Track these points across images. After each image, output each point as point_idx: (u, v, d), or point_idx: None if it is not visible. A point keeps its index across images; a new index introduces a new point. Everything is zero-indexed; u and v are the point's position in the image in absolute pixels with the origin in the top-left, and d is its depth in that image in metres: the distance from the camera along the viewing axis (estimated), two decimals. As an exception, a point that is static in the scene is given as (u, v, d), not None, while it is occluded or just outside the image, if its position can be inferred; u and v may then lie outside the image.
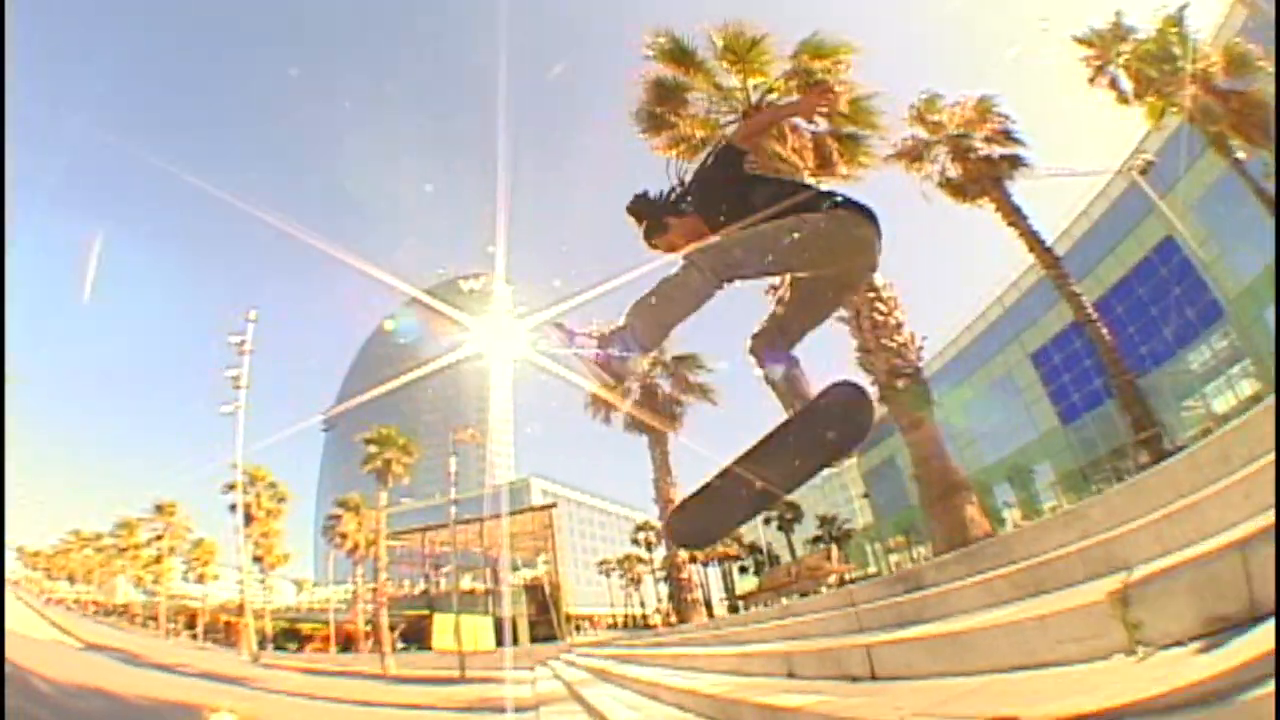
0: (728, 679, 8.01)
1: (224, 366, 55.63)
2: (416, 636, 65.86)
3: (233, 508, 59.14)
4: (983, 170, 27.21)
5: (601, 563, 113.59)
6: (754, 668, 7.91)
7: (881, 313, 18.88)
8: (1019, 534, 8.57)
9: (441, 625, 60.19)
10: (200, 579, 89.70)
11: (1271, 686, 2.20)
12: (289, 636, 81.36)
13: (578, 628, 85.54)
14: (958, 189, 27.82)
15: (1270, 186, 25.86)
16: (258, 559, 73.51)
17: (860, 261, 4.66)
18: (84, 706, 7.46)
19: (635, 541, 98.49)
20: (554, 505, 73.83)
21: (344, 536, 65.23)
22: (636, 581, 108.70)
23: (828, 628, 8.44)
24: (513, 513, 75.01)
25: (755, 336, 4.88)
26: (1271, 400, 6.52)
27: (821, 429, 4.61)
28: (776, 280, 4.96)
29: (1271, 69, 24.05)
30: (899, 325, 18.88)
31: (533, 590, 73.38)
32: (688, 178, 4.94)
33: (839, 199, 4.49)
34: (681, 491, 35.97)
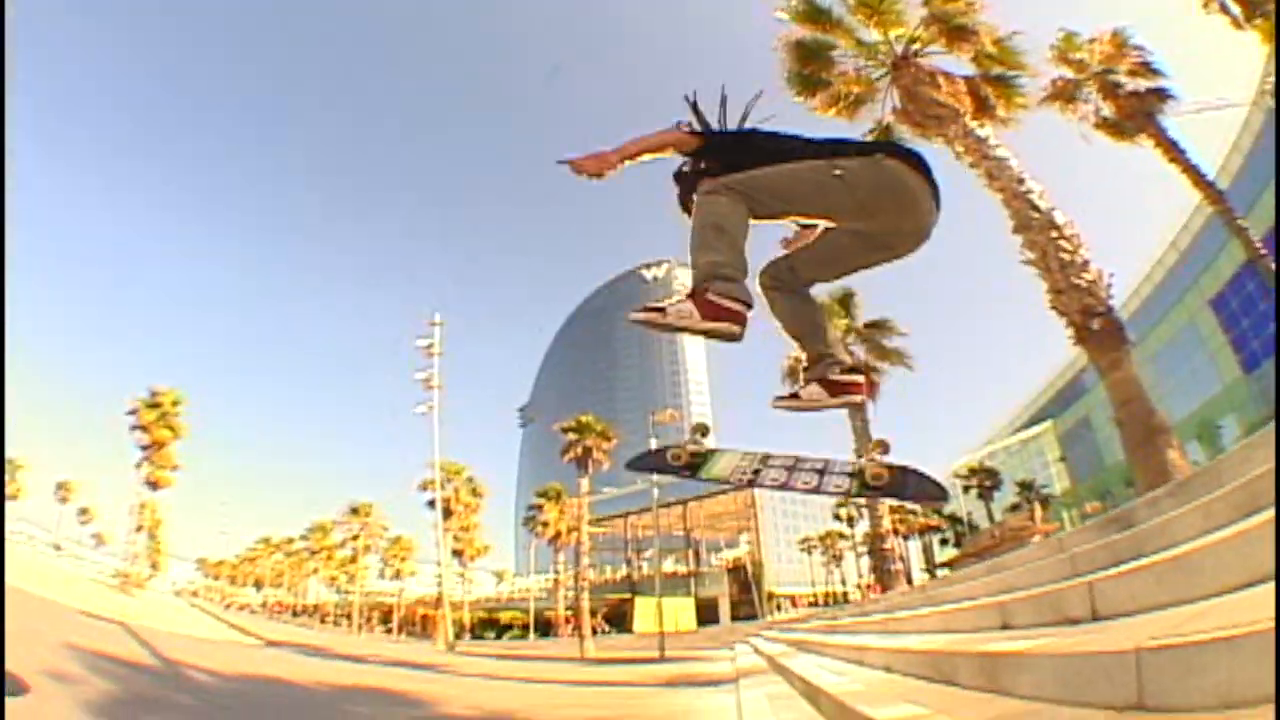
0: (938, 637, 7.80)
1: (415, 369, 56.89)
2: (618, 620, 66.41)
3: (431, 504, 60.29)
4: (1134, 106, 26.39)
5: (803, 540, 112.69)
6: (965, 623, 7.67)
7: (1067, 251, 18.16)
8: (1226, 460, 8.08)
9: (643, 608, 60.72)
10: (397, 575, 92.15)
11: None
12: (487, 625, 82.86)
13: (778, 607, 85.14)
14: (1114, 128, 27.02)
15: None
16: (457, 552, 75.01)
17: (904, 221, 4.28)
18: (247, 690, 7.60)
19: (837, 517, 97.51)
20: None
21: (545, 525, 66.22)
22: (838, 558, 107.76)
23: (1040, 576, 8.14)
24: (713, 494, 74.61)
25: (767, 266, 4.59)
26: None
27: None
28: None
29: None
30: (1085, 263, 18.12)
31: (735, 570, 73.54)
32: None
33: (886, 147, 4.42)
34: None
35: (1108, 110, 26.76)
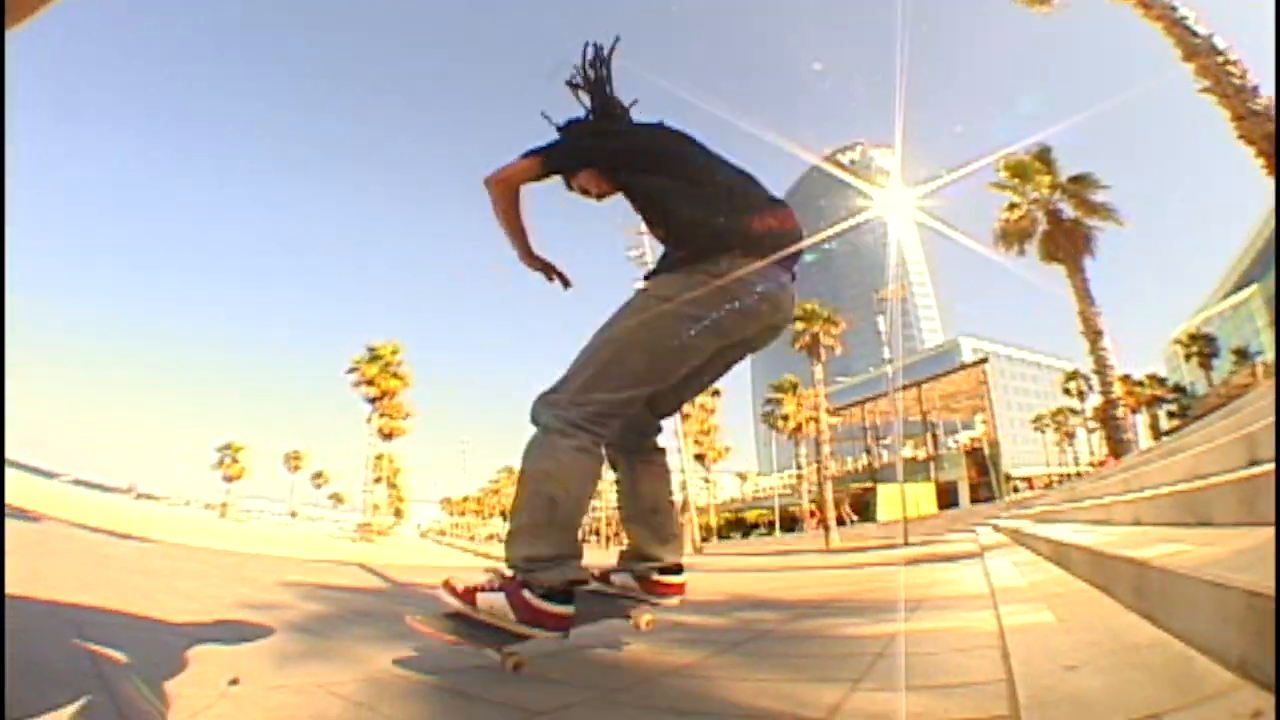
0: (1181, 485, 7.27)
1: (631, 282, 56.01)
2: (861, 510, 65.60)
3: None
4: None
5: (1036, 419, 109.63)
6: (1207, 466, 7.11)
7: (1235, 75, 17.16)
8: None
9: (885, 496, 59.86)
10: None
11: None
12: (734, 526, 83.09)
13: (1015, 489, 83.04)
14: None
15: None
16: (699, 457, 74.90)
17: (765, 330, 3.66)
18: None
19: (1067, 392, 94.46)
20: (985, 360, 70.93)
21: (785, 419, 65.72)
22: (1070, 435, 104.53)
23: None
24: (945, 373, 72.74)
25: None
26: None
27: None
28: None
29: None
30: (1255, 89, 17.12)
31: (972, 453, 71.59)
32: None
33: (740, 237, 3.41)
34: (1109, 324, 34.21)
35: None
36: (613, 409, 3.35)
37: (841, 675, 3.09)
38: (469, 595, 3.27)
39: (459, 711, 2.73)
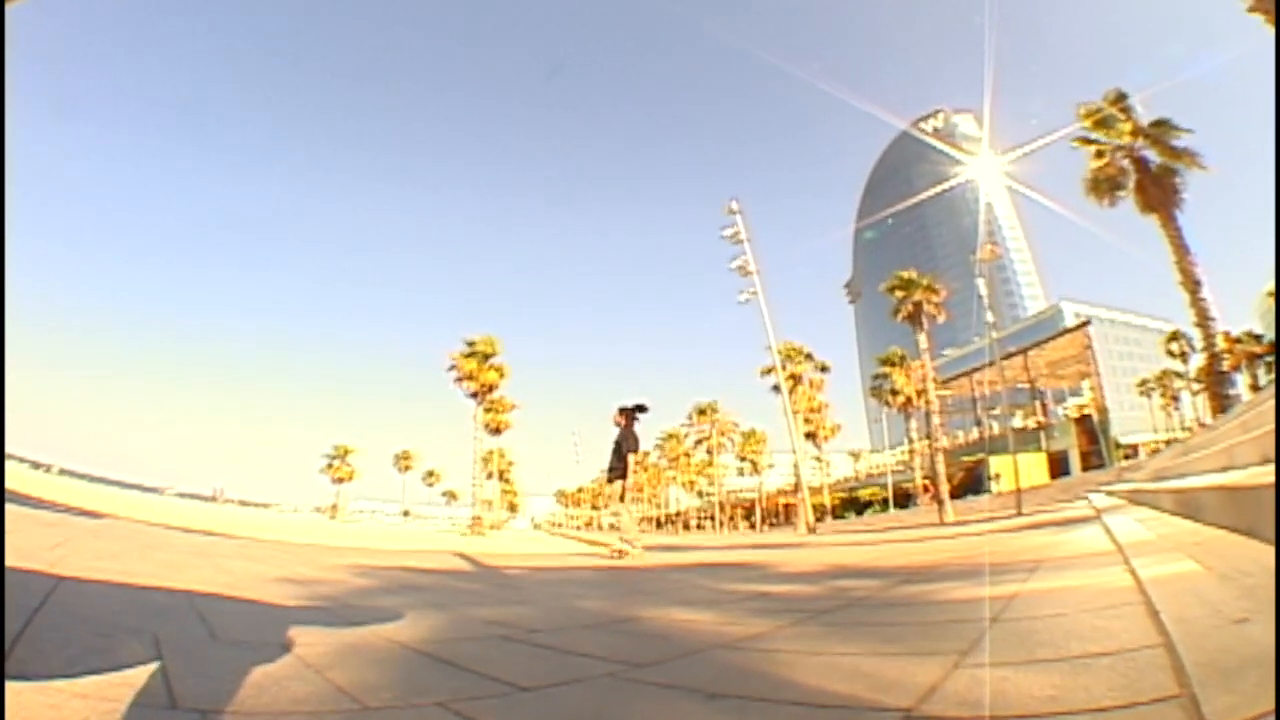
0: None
1: (728, 259, 52.67)
2: (975, 483, 63.58)
3: (776, 388, 56.79)
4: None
5: (1141, 383, 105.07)
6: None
7: None
8: None
9: (998, 468, 57.86)
10: (755, 469, 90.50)
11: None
12: (847, 505, 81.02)
13: (1126, 456, 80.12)
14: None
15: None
16: (810, 435, 72.79)
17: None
18: (567, 577, 7.06)
19: (1170, 354, 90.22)
20: (1087, 323, 67.74)
21: (895, 393, 63.48)
22: (1175, 398, 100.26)
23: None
24: (1049, 338, 69.44)
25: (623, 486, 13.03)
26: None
27: None
28: None
29: None
30: None
31: (1081, 420, 68.89)
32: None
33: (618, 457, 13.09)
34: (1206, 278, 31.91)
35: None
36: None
37: (944, 647, 2.39)
38: (620, 552, 11.90)
39: (418, 681, 2.33)
